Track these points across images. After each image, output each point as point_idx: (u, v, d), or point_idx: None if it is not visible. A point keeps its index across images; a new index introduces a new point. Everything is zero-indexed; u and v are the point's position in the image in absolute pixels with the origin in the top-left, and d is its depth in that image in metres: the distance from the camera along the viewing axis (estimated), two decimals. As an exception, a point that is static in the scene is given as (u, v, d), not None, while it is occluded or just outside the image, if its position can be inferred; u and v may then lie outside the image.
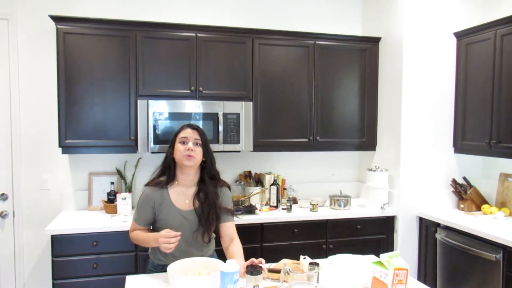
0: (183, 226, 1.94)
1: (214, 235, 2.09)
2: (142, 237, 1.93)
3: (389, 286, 1.53)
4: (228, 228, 2.02)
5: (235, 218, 2.19)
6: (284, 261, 2.00)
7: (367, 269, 1.69)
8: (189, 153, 1.89)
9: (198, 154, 1.92)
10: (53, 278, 2.71)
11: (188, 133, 1.93)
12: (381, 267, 1.57)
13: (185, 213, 1.96)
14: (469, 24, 3.29)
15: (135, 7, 3.34)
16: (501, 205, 3.22)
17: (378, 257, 1.71)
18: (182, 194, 1.98)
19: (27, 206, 3.21)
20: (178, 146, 1.92)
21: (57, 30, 2.89)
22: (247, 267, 1.70)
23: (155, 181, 2.00)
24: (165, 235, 1.78)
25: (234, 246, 1.98)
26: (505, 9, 3.19)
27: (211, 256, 2.06)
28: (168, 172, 1.98)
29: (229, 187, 2.11)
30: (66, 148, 2.97)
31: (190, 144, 1.90)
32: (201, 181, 2.00)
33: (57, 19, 2.89)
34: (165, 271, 1.76)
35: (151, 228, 2.05)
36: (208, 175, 1.99)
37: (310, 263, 1.77)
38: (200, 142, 1.93)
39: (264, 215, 3.13)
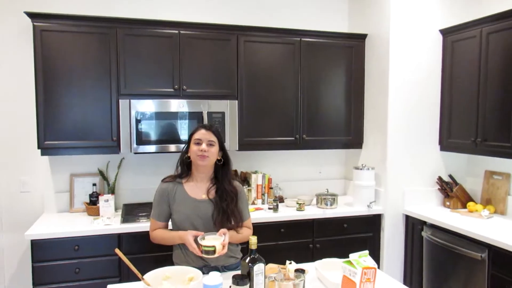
0: (197, 212, 2.02)
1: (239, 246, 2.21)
2: (168, 235, 2.03)
3: (358, 284, 1.58)
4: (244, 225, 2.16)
5: None
6: (270, 265, 1.96)
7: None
8: (202, 153, 1.98)
9: (212, 154, 2.01)
10: (34, 284, 2.63)
11: (202, 134, 2.01)
12: (351, 266, 1.63)
13: (199, 201, 2.05)
14: (455, 21, 3.27)
15: (115, 3, 3.23)
16: (486, 202, 3.24)
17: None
18: (197, 188, 2.08)
19: (6, 209, 3.12)
20: (193, 147, 2.01)
21: (34, 27, 2.78)
22: (233, 276, 1.65)
23: (171, 176, 2.12)
24: (192, 236, 1.87)
25: (242, 230, 2.10)
26: (491, 6, 3.17)
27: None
28: (183, 169, 2.10)
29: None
30: (45, 150, 2.88)
31: (204, 146, 1.99)
32: (216, 178, 2.10)
33: (33, 15, 2.78)
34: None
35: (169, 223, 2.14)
36: (224, 173, 2.08)
37: (296, 270, 1.73)
38: (214, 142, 2.01)
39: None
